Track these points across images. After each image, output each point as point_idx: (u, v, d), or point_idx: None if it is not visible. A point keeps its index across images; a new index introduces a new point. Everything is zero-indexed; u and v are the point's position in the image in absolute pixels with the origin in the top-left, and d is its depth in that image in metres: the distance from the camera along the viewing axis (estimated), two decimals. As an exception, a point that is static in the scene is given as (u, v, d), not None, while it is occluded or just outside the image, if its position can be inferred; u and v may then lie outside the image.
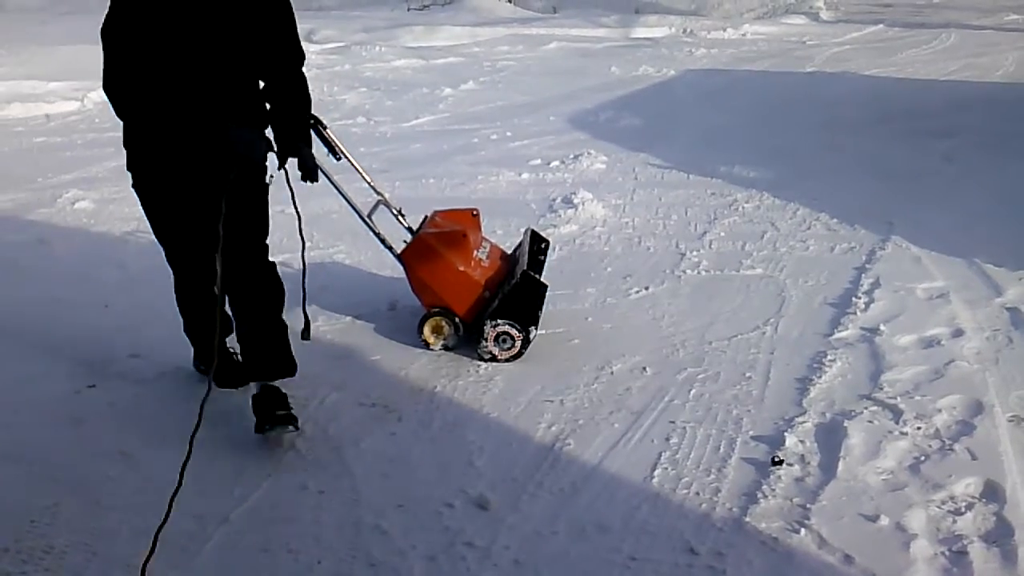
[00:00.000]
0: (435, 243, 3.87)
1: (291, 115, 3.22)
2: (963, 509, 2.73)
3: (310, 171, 3.30)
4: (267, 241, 3.29)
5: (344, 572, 2.51)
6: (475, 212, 4.11)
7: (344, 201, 3.91)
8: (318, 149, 3.86)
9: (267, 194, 3.24)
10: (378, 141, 8.16)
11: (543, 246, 4.21)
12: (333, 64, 12.74)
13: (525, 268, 3.80)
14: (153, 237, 3.31)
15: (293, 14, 3.18)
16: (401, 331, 4.00)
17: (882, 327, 3.97)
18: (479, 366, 3.72)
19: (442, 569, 2.52)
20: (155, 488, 2.90)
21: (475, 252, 3.94)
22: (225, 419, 3.31)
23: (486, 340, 3.73)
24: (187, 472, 2.96)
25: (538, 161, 7.16)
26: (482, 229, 4.16)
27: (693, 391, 3.49)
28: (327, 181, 3.92)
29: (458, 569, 2.52)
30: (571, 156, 7.17)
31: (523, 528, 2.69)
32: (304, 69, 3.26)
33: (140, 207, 3.24)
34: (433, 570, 2.52)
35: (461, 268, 3.84)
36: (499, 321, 3.71)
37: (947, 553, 2.54)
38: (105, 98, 3.01)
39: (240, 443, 3.17)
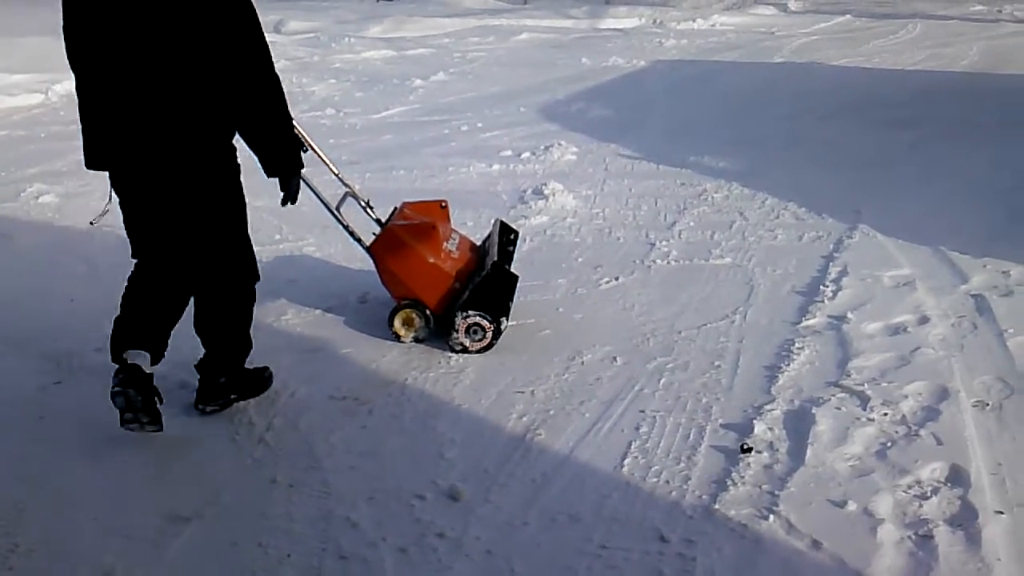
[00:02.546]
0: (404, 235, 3.85)
1: (259, 132, 2.99)
2: (929, 493, 2.76)
3: (290, 196, 3.14)
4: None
5: (314, 565, 2.50)
6: (444, 203, 4.10)
7: (312, 194, 3.89)
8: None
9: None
10: (348, 133, 8.11)
11: (512, 237, 4.21)
12: (302, 55, 12.63)
13: (495, 259, 3.80)
14: (119, 232, 3.23)
15: (254, 13, 2.86)
16: (371, 324, 3.99)
17: (849, 315, 4.00)
18: (450, 358, 3.72)
19: (413, 561, 2.52)
20: (122, 485, 2.89)
21: (445, 244, 3.93)
22: (190, 412, 3.30)
23: (457, 331, 3.72)
24: (155, 468, 2.95)
25: (509, 152, 7.15)
26: (451, 220, 4.15)
27: (663, 380, 3.50)
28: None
29: (429, 560, 2.52)
30: (542, 147, 7.16)
31: (494, 519, 2.69)
32: (277, 70, 2.97)
33: (106, 202, 3.19)
34: (404, 562, 2.52)
35: (431, 260, 3.83)
36: (470, 312, 3.70)
37: (913, 537, 2.57)
38: (70, 90, 2.93)
39: (208, 438, 3.15)
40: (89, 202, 5.61)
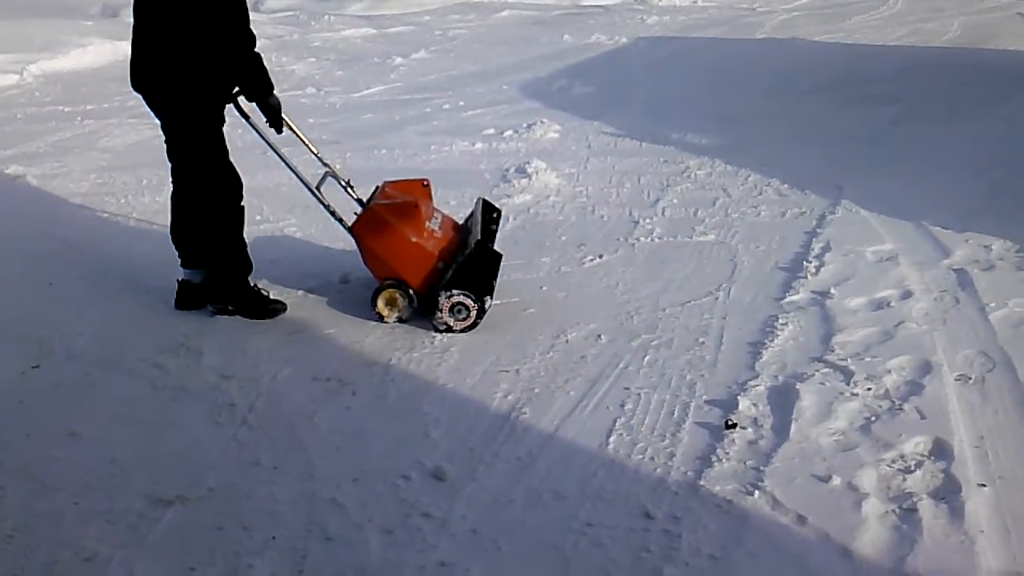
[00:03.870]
0: (386, 214, 3.82)
1: (237, 70, 3.63)
2: (912, 467, 2.77)
3: (274, 121, 3.77)
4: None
5: (299, 547, 2.49)
6: (426, 182, 4.07)
7: (292, 174, 3.86)
8: (261, 120, 3.81)
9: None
10: (328, 112, 8.05)
11: (495, 215, 4.19)
12: (281, 34, 12.50)
13: (479, 238, 3.77)
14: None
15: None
16: (354, 304, 3.96)
17: (832, 290, 4.01)
18: (434, 337, 3.70)
19: (399, 541, 2.51)
20: (103, 468, 2.86)
21: (427, 223, 3.90)
22: (171, 396, 3.27)
23: (441, 311, 3.70)
24: (137, 451, 2.93)
25: (491, 130, 7.11)
26: (434, 199, 4.12)
27: (647, 357, 3.50)
28: (275, 154, 3.87)
29: (415, 540, 2.51)
30: (524, 125, 7.13)
31: (480, 498, 2.69)
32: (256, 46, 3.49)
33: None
34: (390, 542, 2.51)
35: (414, 239, 3.80)
36: (454, 291, 3.68)
37: (897, 511, 2.58)
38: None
39: (191, 421, 3.12)
40: (66, 183, 5.54)
